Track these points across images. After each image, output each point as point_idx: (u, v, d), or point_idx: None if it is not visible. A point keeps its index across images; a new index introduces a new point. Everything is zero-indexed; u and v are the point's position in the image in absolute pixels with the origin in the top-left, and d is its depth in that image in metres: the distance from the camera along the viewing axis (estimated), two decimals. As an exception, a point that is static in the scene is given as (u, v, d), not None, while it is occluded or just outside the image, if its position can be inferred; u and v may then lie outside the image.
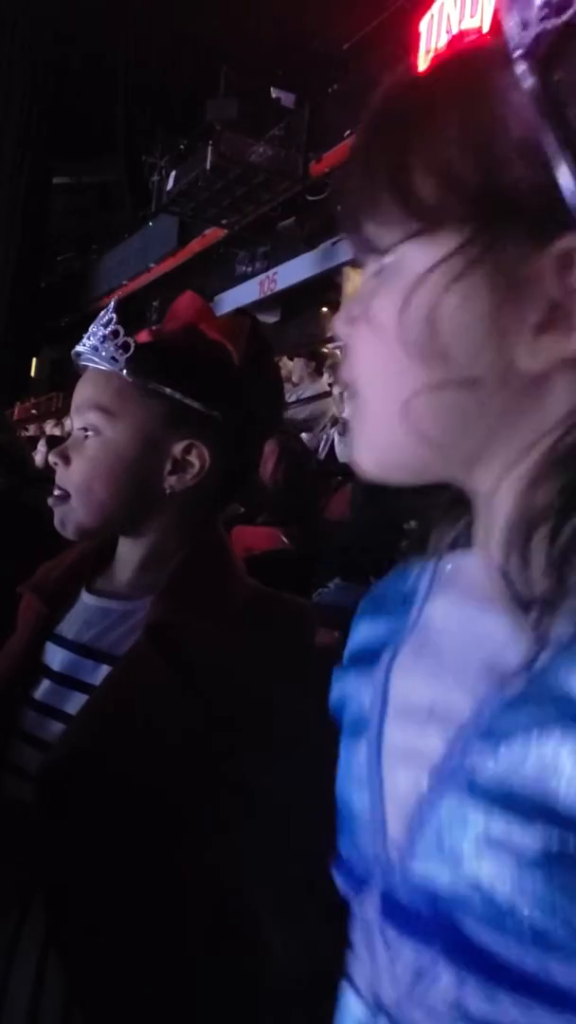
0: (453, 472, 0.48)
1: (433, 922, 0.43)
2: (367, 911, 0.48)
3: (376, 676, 0.50)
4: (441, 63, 0.47)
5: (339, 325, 0.50)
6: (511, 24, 0.43)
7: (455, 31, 9.67)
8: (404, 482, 0.50)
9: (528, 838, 0.39)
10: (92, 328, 0.97)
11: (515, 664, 0.41)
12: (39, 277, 13.69)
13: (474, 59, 0.46)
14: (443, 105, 0.44)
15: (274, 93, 11.04)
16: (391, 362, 0.45)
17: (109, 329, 0.94)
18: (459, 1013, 0.42)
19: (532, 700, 0.41)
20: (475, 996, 0.41)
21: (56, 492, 0.96)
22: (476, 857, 0.41)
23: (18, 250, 12.38)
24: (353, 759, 0.51)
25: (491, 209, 0.42)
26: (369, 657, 0.52)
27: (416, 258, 0.45)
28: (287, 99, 11.11)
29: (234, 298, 13.63)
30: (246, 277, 14.02)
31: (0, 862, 0.88)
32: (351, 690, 0.53)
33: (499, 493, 0.46)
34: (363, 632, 0.55)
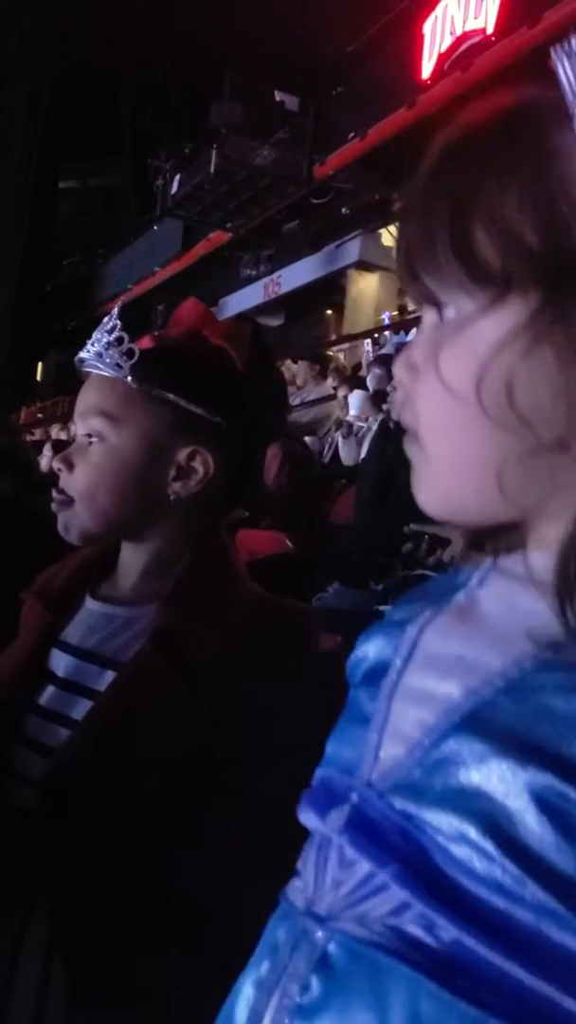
0: (515, 516, 0.49)
1: (399, 845, 0.44)
2: (330, 827, 0.48)
3: (408, 632, 0.51)
4: (497, 113, 0.47)
5: (399, 370, 0.51)
6: (567, 80, 0.43)
7: (459, 32, 9.70)
8: (469, 524, 0.52)
9: (529, 784, 0.40)
10: (96, 334, 0.97)
11: (557, 637, 0.43)
12: (45, 280, 13.72)
13: (532, 113, 0.46)
14: (503, 165, 0.44)
15: (278, 96, 11.07)
16: (462, 422, 0.47)
17: (113, 336, 0.95)
18: (389, 930, 0.43)
19: (566, 667, 0.42)
20: (413, 920, 0.42)
21: (60, 497, 0.96)
22: (470, 794, 0.42)
23: (24, 253, 12.39)
24: (363, 701, 0.52)
25: (558, 274, 0.43)
26: (402, 624, 0.53)
27: (486, 324, 0.45)
28: (291, 102, 11.14)
29: (239, 301, 13.66)
30: (250, 280, 14.05)
31: (3, 866, 0.88)
32: (375, 645, 0.54)
33: (554, 525, 0.47)
34: (400, 612, 0.56)
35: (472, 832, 0.41)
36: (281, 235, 13.38)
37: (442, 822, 0.42)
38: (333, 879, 0.47)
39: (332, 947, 0.45)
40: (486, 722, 0.43)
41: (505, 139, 0.45)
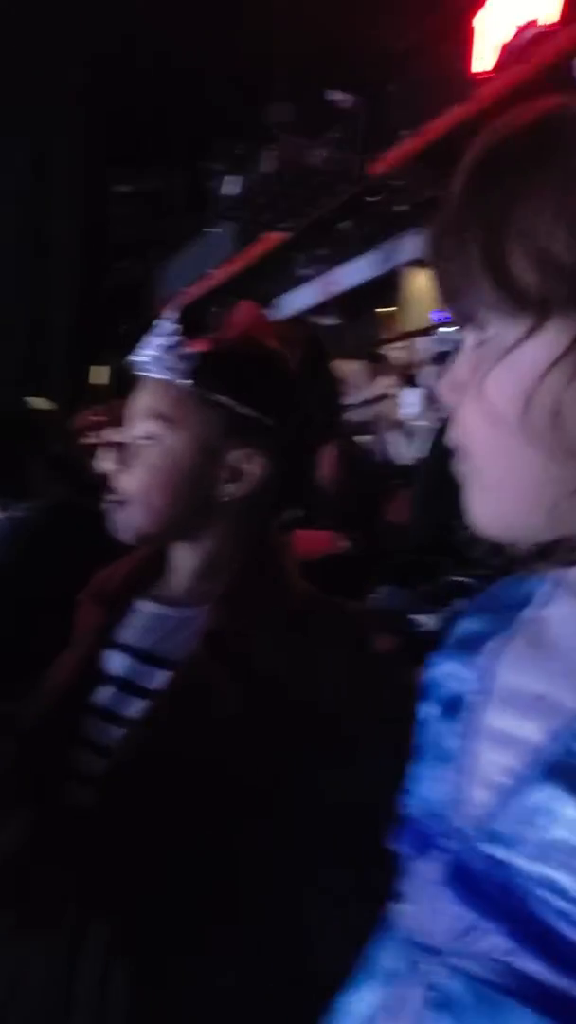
0: (569, 535, 0.48)
1: (502, 900, 0.43)
2: (429, 873, 0.48)
3: (479, 661, 0.51)
4: (529, 127, 0.46)
5: (444, 391, 0.50)
6: None
7: (517, 24, 9.55)
8: (522, 542, 0.51)
9: None
10: (152, 337, 0.98)
11: None
12: (101, 285, 13.88)
13: (564, 127, 0.45)
14: (535, 182, 0.44)
15: (331, 95, 11.04)
16: (509, 446, 0.46)
17: (170, 339, 0.96)
18: (509, 968, 0.43)
19: None
20: (528, 960, 0.42)
21: (114, 498, 0.97)
22: (564, 849, 0.41)
23: (79, 258, 12.57)
24: (444, 735, 0.51)
25: None
26: (472, 644, 0.52)
27: (528, 349, 0.44)
28: (344, 100, 11.10)
29: (294, 301, 13.66)
30: (305, 280, 14.04)
31: (58, 866, 0.89)
32: (449, 671, 0.54)
33: None
34: (468, 624, 0.56)
35: (572, 888, 0.40)
36: (336, 234, 13.36)
37: (541, 874, 0.42)
38: (443, 911, 0.47)
39: (452, 985, 0.45)
40: (572, 771, 0.42)
41: (538, 155, 0.44)
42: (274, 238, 14.76)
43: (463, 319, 0.48)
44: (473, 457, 0.49)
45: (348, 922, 0.86)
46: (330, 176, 11.96)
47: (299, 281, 14.88)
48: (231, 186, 13.18)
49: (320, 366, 1.05)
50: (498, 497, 0.48)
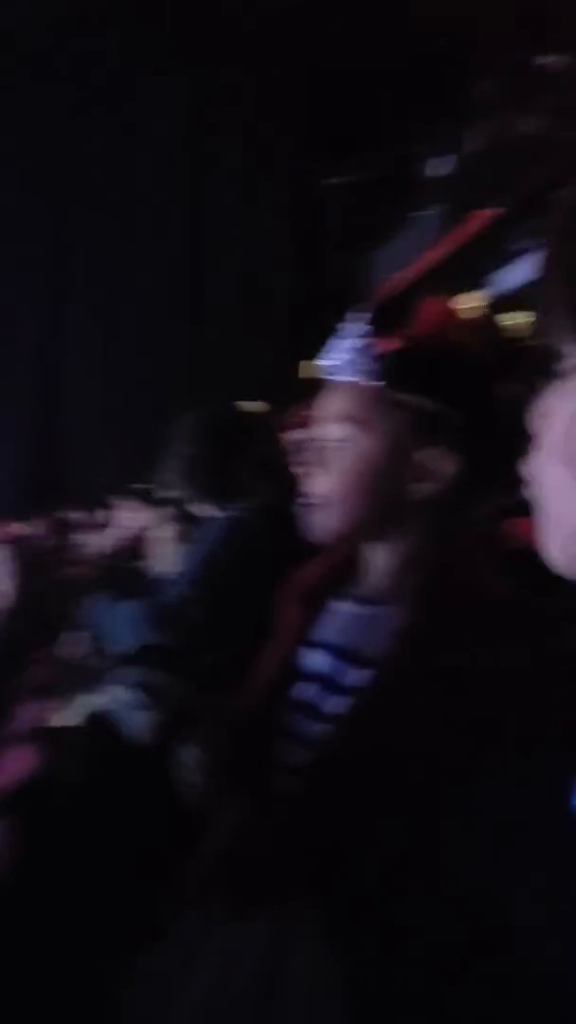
0: None
1: None
2: None
3: None
4: None
5: (535, 421, 0.49)
6: None
7: None
8: None
9: None
10: (344, 338, 0.99)
11: None
12: (313, 280, 14.04)
13: None
14: None
15: (539, 61, 10.56)
16: (564, 477, 0.45)
17: (361, 341, 0.97)
18: None
19: None
20: None
21: (308, 499, 1.00)
22: None
23: (293, 254, 12.77)
24: None
25: None
26: None
27: None
28: (555, 65, 10.60)
29: (508, 278, 13.24)
30: (520, 254, 13.57)
31: (270, 855, 0.93)
32: None
33: None
34: None
35: None
36: (549, 204, 12.79)
37: None
38: None
39: None
40: None
41: None
42: (485, 215, 14.35)
43: (553, 354, 0.47)
44: (537, 487, 0.48)
45: (552, 917, 0.84)
46: (543, 146, 11.46)
47: (513, 256, 14.39)
48: (439, 167, 12.94)
49: (514, 357, 1.02)
50: (560, 533, 0.46)
